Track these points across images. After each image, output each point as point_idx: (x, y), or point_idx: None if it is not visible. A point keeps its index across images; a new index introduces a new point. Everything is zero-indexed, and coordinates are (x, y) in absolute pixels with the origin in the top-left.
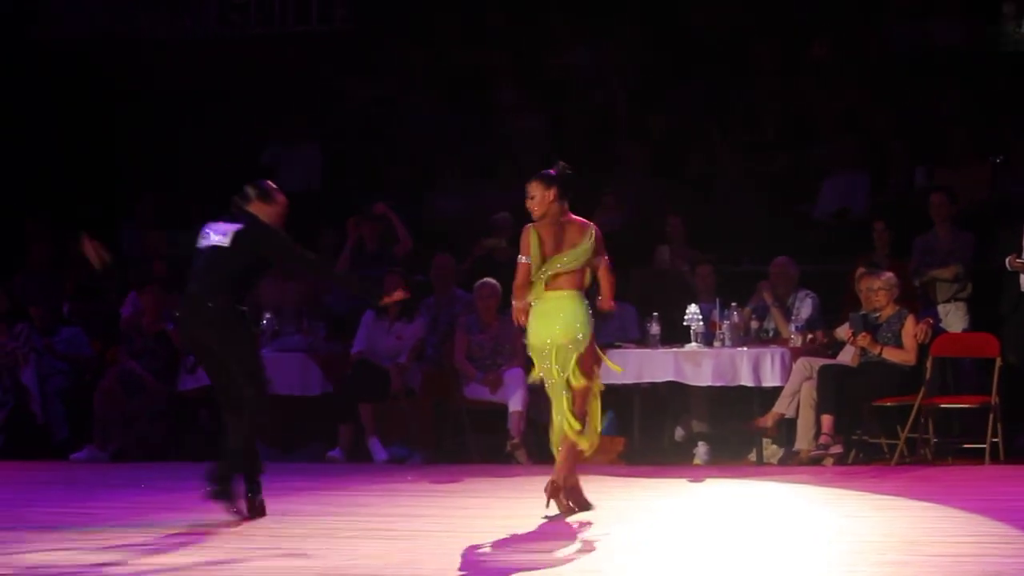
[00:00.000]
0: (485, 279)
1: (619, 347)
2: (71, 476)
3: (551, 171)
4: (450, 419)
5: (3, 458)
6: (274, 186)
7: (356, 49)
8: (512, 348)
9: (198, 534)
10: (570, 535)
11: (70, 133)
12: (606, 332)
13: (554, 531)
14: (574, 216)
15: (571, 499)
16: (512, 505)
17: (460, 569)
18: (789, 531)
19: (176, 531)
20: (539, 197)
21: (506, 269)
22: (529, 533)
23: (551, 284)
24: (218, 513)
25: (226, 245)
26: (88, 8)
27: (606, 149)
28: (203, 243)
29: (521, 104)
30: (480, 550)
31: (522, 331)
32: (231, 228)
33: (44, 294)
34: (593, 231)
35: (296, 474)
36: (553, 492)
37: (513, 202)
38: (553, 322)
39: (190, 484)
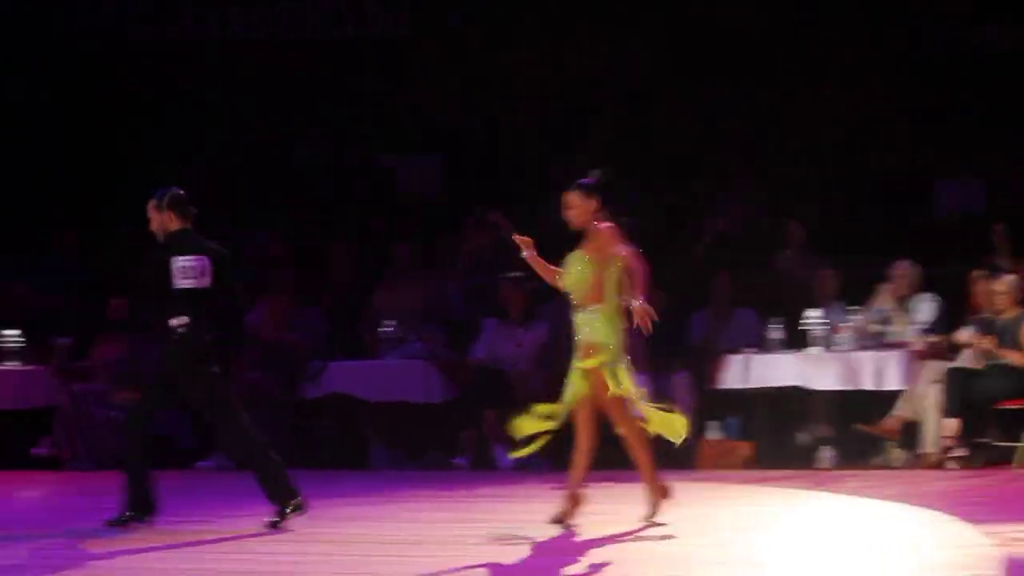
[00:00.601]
0: None
1: (741, 352)
2: (195, 484)
3: (590, 180)
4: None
5: None
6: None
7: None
8: (634, 352)
9: (323, 542)
10: (693, 540)
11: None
12: (727, 337)
13: (677, 533)
14: (603, 225)
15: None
16: (636, 512)
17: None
18: (913, 539)
19: (301, 540)
20: (579, 208)
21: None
22: (651, 538)
23: (579, 303)
24: (345, 522)
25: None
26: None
27: (720, 154)
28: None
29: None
30: (607, 553)
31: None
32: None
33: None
34: (604, 236)
35: (420, 482)
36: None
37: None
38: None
39: (313, 492)
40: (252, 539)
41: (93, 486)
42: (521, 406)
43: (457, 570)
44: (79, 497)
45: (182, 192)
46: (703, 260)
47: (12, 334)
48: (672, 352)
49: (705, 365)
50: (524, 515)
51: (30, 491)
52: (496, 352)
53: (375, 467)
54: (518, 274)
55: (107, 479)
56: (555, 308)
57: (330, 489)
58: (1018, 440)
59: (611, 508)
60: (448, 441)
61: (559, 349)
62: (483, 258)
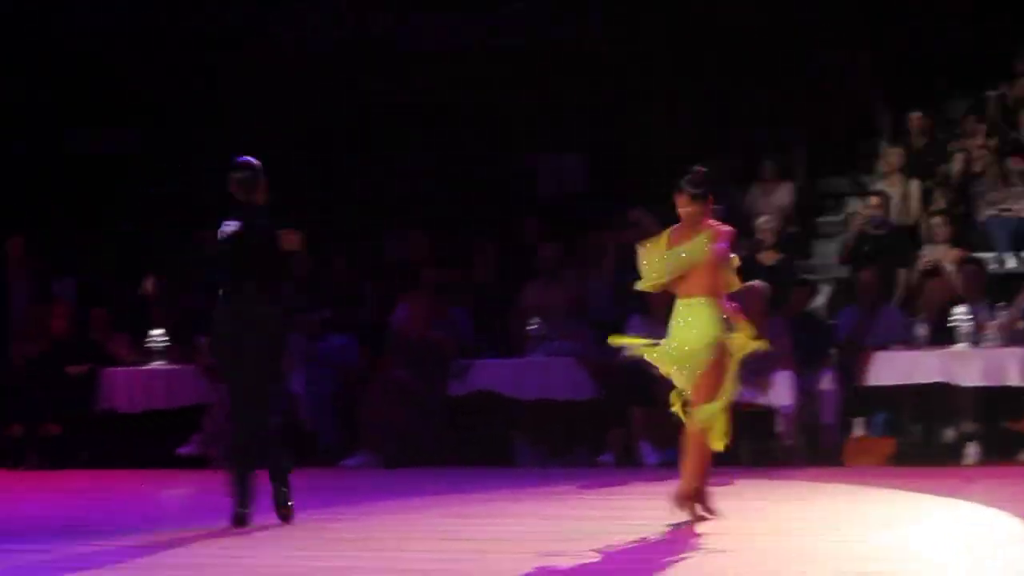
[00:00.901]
0: (750, 282)
1: (887, 348)
2: (341, 482)
3: (696, 178)
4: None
5: None
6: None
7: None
8: (781, 350)
9: (465, 540)
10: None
11: (336, 142)
12: (874, 334)
13: (813, 531)
14: (712, 222)
15: (701, 505)
16: (781, 509)
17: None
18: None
19: (446, 539)
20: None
21: (771, 272)
22: (792, 534)
23: (683, 290)
24: (502, 519)
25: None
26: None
27: (867, 149)
28: None
29: (775, 108)
30: (733, 545)
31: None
32: None
33: (310, 302)
34: (714, 232)
35: (563, 479)
36: (681, 500)
37: (776, 204)
38: (687, 328)
39: (462, 488)
40: (395, 536)
41: None
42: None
43: (601, 566)
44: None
45: None
46: (848, 256)
47: (157, 334)
48: (819, 349)
49: (852, 362)
50: (666, 511)
51: (176, 489)
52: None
53: (520, 464)
54: None
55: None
56: None
57: (476, 486)
58: None
59: (757, 504)
60: (594, 439)
61: None
62: (629, 256)
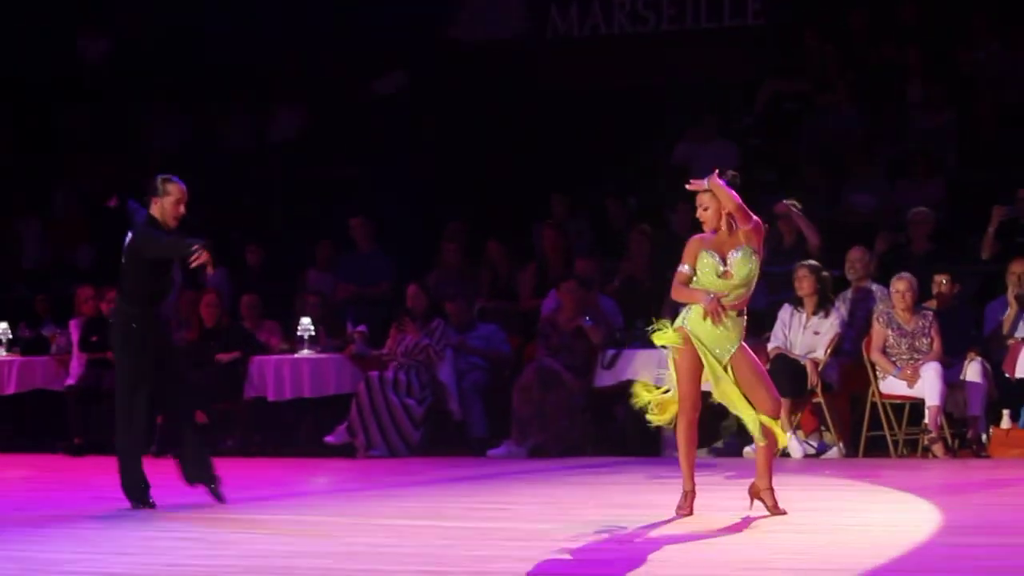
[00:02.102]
0: (901, 273)
1: None
2: (488, 472)
3: (724, 180)
4: (867, 413)
5: (422, 454)
6: (169, 176)
7: (767, 46)
8: (930, 342)
9: (614, 531)
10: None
11: (484, 133)
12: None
13: (958, 526)
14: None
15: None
16: (916, 501)
17: (873, 567)
18: None
19: (592, 529)
20: (713, 209)
21: (919, 263)
22: (929, 528)
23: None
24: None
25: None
26: (502, 8)
27: (1019, 142)
28: None
29: (932, 100)
30: (897, 545)
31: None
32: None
33: (460, 291)
34: (752, 232)
35: (706, 468)
36: (756, 493)
37: (928, 197)
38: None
39: (606, 479)
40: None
41: (381, 474)
42: (814, 394)
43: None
44: (370, 484)
45: None
46: (992, 247)
47: (305, 323)
48: (967, 340)
49: (1000, 354)
50: (807, 503)
51: (323, 477)
52: (792, 340)
53: (669, 455)
54: (813, 262)
55: (399, 466)
56: (846, 297)
57: (623, 475)
58: None
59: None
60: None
61: (855, 338)
62: (780, 247)
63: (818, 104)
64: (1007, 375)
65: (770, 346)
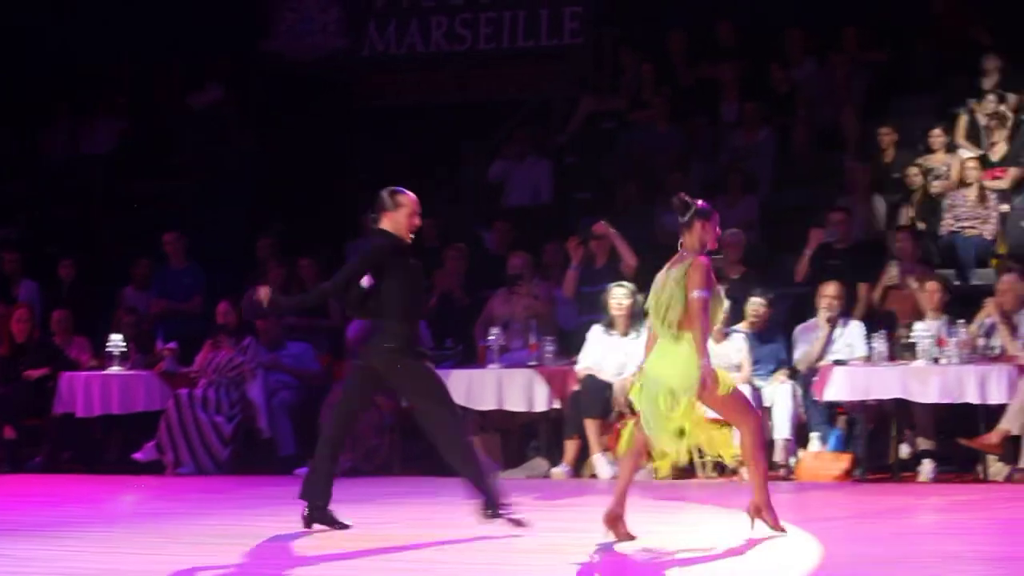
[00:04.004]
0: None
1: (845, 364)
2: (295, 490)
3: (705, 205)
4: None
5: (230, 472)
6: (398, 188)
7: (585, 64)
8: (739, 365)
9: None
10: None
11: (302, 149)
12: (834, 349)
13: (763, 545)
14: (685, 253)
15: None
16: (731, 521)
17: None
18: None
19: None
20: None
21: (733, 285)
22: (734, 549)
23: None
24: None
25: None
26: (321, 24)
27: (832, 163)
28: None
29: (747, 119)
30: (685, 567)
31: None
32: None
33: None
34: (685, 268)
35: (521, 490)
36: (756, 512)
37: (741, 217)
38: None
39: (414, 499)
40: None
41: (191, 491)
42: (622, 415)
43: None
44: (178, 502)
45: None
46: (806, 270)
47: (115, 339)
48: (777, 364)
49: (809, 377)
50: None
51: (131, 494)
52: (601, 361)
53: None
54: (626, 283)
55: (207, 485)
56: None
57: (431, 494)
58: None
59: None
60: (549, 450)
61: None
62: (592, 267)
63: (633, 122)
64: (815, 398)
65: (579, 367)
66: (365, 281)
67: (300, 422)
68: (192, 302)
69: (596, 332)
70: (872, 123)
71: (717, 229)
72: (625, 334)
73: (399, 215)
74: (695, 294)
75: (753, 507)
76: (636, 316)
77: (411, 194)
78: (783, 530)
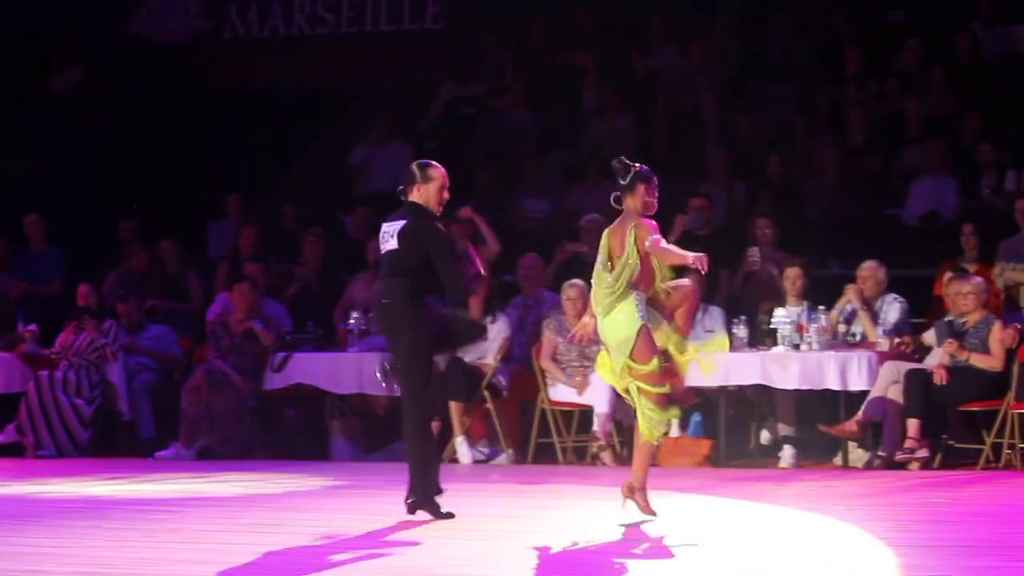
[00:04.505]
0: (573, 280)
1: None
2: (154, 474)
3: (617, 170)
4: (536, 420)
5: (90, 454)
6: (428, 161)
7: (446, 49)
8: (599, 350)
9: (283, 533)
10: (645, 538)
11: (161, 132)
12: (693, 334)
13: (631, 534)
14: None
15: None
16: (594, 507)
17: (538, 570)
18: (865, 538)
19: (257, 528)
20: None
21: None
22: (608, 535)
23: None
24: (288, 513)
25: (396, 247)
26: (182, 6)
27: (693, 150)
28: (383, 247)
29: (608, 105)
30: (560, 551)
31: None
32: (397, 226)
33: (131, 291)
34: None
35: (379, 474)
36: (629, 493)
37: (600, 203)
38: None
39: (272, 483)
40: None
41: (49, 473)
42: (483, 400)
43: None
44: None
45: None
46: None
47: None
48: None
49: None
50: (475, 508)
51: None
52: None
53: (336, 458)
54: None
55: (67, 467)
56: (517, 303)
57: (289, 479)
58: (981, 442)
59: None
60: None
61: (526, 343)
62: (456, 251)
63: (493, 107)
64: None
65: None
66: None
67: (160, 405)
68: (52, 284)
69: None
70: (731, 109)
71: (656, 192)
72: (483, 317)
73: (430, 188)
74: (650, 240)
75: (627, 487)
76: (492, 300)
77: (441, 167)
78: (654, 513)
